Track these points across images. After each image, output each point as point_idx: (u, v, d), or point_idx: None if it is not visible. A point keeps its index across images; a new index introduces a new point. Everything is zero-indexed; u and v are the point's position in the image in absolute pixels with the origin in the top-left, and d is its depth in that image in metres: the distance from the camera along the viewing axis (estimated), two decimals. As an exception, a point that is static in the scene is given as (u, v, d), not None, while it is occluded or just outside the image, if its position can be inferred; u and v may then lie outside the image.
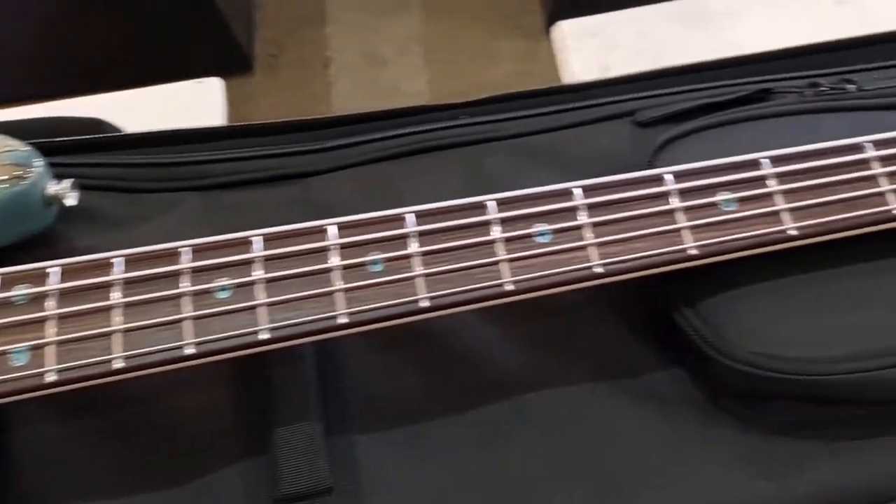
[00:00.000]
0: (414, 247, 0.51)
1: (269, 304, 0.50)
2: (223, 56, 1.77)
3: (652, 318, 0.57)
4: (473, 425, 0.55)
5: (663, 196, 0.53)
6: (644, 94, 0.67)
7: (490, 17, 1.84)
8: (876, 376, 0.51)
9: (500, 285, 0.51)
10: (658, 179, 0.54)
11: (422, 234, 0.52)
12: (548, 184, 0.54)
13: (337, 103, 1.74)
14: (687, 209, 0.53)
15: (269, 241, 0.51)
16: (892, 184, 0.54)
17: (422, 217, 0.52)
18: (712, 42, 0.83)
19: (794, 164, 0.54)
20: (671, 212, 0.53)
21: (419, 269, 0.51)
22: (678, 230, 0.52)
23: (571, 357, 0.57)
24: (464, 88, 1.75)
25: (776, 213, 0.53)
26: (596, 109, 0.66)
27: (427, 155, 0.64)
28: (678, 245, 0.52)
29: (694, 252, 0.52)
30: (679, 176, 0.54)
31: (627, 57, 0.82)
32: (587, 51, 0.82)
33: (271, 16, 1.89)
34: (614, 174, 0.54)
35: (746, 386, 0.53)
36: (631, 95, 0.67)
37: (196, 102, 0.82)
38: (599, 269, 0.51)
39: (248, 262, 0.51)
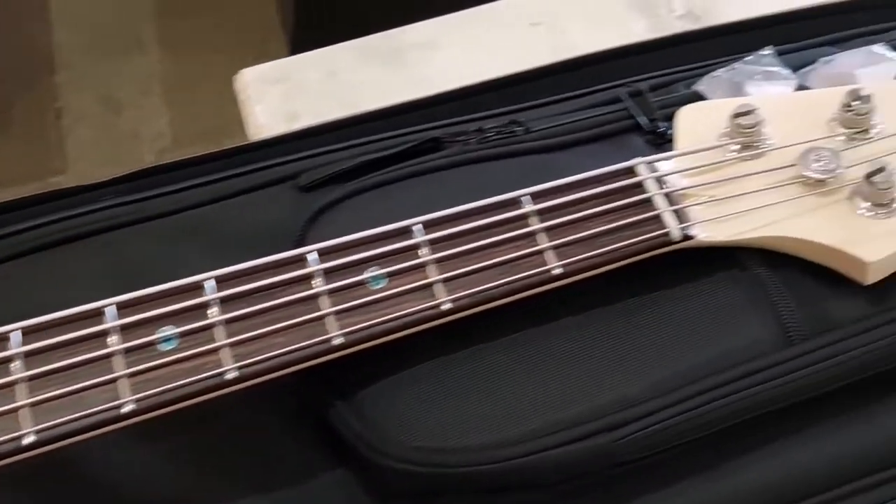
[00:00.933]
0: (17, 372, 0.44)
1: None
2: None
3: (312, 415, 0.51)
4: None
5: (306, 279, 0.48)
6: (310, 152, 0.61)
7: (232, 48, 1.76)
8: (548, 456, 0.46)
9: (117, 407, 0.44)
10: (300, 260, 0.48)
11: (28, 354, 0.45)
12: (202, 269, 0.48)
13: (73, 154, 1.63)
14: (331, 292, 0.47)
15: None
16: (551, 240, 0.50)
17: (29, 334, 0.45)
18: (406, 79, 0.78)
19: (447, 227, 0.50)
20: (315, 297, 0.47)
21: (24, 399, 0.44)
22: (322, 318, 0.47)
23: (229, 469, 0.50)
24: (209, 126, 1.67)
25: (429, 286, 0.48)
26: (259, 174, 0.60)
27: (65, 247, 0.56)
28: (322, 335, 0.46)
29: (339, 341, 0.46)
30: (325, 254, 0.49)
31: (315, 102, 0.76)
32: (272, 99, 0.77)
33: (-3, 66, 1.75)
34: (276, 250, 0.49)
35: (413, 484, 0.47)
36: (297, 155, 0.61)
37: None
38: (233, 374, 0.45)
39: None
